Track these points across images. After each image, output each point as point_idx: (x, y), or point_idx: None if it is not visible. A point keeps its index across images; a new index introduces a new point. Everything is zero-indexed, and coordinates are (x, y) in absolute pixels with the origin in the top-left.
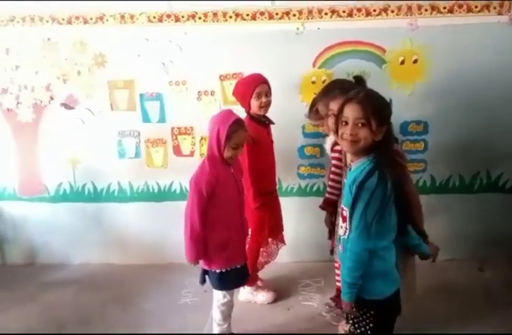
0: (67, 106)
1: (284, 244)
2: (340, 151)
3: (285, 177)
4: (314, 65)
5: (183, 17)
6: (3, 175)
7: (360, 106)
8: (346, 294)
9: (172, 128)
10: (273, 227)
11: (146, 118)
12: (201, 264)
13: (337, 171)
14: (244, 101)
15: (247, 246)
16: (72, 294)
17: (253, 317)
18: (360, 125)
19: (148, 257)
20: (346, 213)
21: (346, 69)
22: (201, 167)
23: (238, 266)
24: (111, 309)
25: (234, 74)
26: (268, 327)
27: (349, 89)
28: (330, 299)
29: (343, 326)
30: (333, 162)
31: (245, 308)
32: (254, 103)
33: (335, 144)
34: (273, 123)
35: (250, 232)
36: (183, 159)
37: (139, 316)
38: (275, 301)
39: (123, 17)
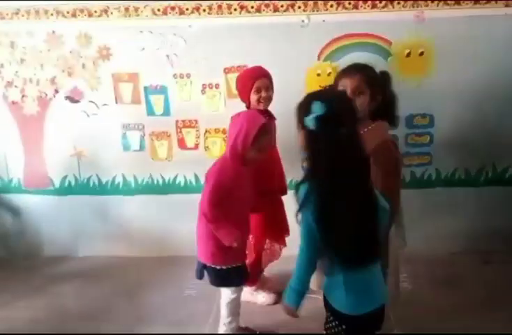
0: (72, 99)
1: (285, 246)
2: None
3: (290, 170)
4: (319, 58)
5: (187, 9)
6: (9, 168)
7: None
8: None
9: (177, 121)
10: (273, 230)
11: (150, 111)
12: (201, 259)
13: None
14: (243, 95)
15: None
16: (78, 287)
17: (256, 309)
18: None
19: (152, 249)
20: None
21: (351, 62)
22: (222, 165)
23: (239, 265)
24: (116, 301)
25: (239, 67)
26: (271, 320)
27: None
28: None
29: None
30: None
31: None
32: (253, 97)
33: None
34: (274, 118)
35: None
36: (187, 152)
37: (144, 308)
38: (275, 303)
39: (127, 9)
